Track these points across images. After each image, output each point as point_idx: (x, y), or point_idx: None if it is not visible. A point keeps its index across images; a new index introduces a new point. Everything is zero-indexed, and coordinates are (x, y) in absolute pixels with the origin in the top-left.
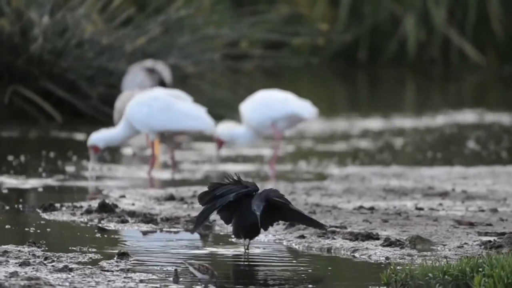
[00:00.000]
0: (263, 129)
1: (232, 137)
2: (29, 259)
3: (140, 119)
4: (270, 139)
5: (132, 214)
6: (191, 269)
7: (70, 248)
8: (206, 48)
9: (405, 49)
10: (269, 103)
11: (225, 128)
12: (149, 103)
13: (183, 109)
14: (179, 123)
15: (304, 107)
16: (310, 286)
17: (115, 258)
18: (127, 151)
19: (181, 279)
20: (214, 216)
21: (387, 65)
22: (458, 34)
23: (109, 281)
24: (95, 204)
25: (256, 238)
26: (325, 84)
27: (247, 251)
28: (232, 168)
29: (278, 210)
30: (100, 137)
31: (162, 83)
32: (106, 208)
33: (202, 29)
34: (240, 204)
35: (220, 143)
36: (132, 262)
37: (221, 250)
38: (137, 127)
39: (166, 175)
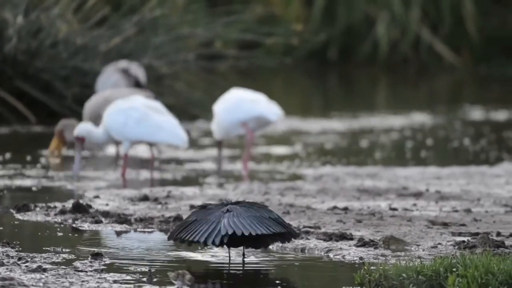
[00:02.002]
0: (233, 129)
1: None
2: (3, 259)
3: (116, 128)
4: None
5: (106, 214)
6: (170, 277)
7: (44, 248)
8: (181, 48)
9: (379, 49)
10: (238, 105)
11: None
12: (126, 113)
13: (158, 122)
14: (153, 136)
15: (270, 110)
16: (283, 286)
17: (89, 259)
18: (110, 151)
19: (155, 279)
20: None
21: (361, 65)
22: (433, 34)
23: (83, 281)
24: (69, 204)
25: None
26: (299, 84)
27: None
28: (207, 167)
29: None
30: (86, 129)
31: (137, 84)
32: (80, 209)
33: (177, 29)
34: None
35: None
36: (106, 262)
37: (193, 251)
38: (112, 135)
39: (140, 175)
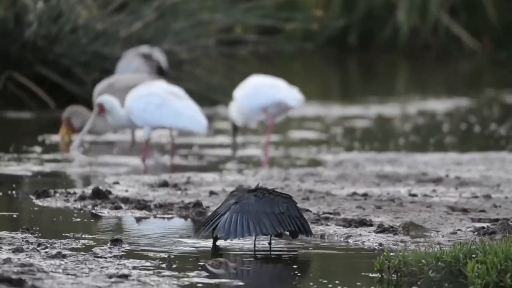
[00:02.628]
0: (254, 115)
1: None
2: (23, 245)
3: (136, 113)
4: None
5: (125, 200)
6: (207, 266)
7: (63, 234)
8: (201, 34)
9: (399, 35)
10: (258, 91)
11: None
12: (146, 99)
13: (178, 108)
14: (172, 121)
15: (290, 95)
16: (303, 272)
17: (108, 245)
18: (128, 137)
19: (174, 266)
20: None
21: (381, 50)
22: (453, 20)
23: (102, 267)
24: (88, 190)
25: None
26: (319, 70)
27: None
28: (227, 153)
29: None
30: (111, 101)
31: (159, 70)
32: (100, 195)
33: (197, 14)
34: None
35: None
36: (126, 248)
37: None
38: (133, 120)
39: (160, 161)
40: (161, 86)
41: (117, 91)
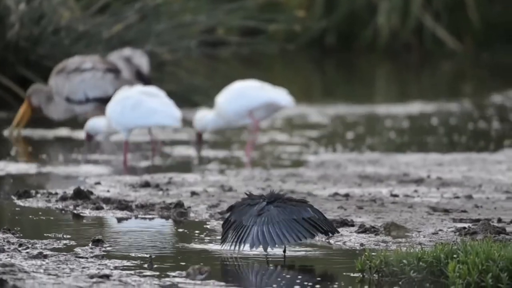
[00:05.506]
0: (239, 119)
1: (205, 125)
2: (4, 246)
3: (114, 118)
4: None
5: (107, 200)
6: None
7: (45, 234)
8: (183, 35)
9: (380, 36)
10: (245, 93)
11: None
12: (122, 102)
13: (151, 106)
14: (147, 120)
15: (281, 96)
16: (284, 273)
17: (89, 245)
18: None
19: (155, 266)
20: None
21: (363, 51)
22: (435, 21)
23: (83, 267)
24: (70, 191)
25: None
26: (301, 71)
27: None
28: (209, 153)
29: None
30: (92, 124)
31: (138, 73)
32: (81, 195)
33: (179, 16)
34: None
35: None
36: (107, 248)
37: (195, 238)
38: (113, 126)
39: (141, 161)
40: (136, 89)
41: (67, 74)
